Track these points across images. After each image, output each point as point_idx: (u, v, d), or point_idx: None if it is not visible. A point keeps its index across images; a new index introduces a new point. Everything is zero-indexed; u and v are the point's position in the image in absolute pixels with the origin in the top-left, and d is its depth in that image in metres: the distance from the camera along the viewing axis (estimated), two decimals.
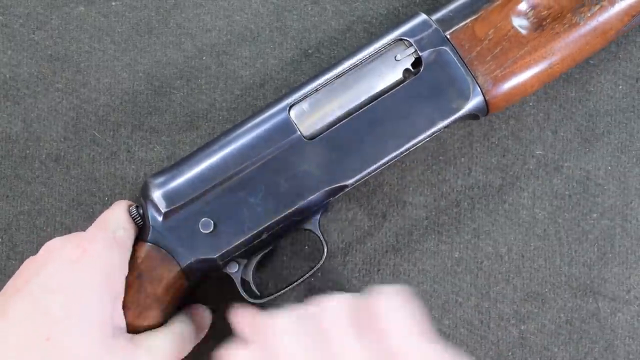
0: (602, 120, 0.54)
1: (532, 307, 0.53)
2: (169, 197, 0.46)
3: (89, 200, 0.54)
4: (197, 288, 0.49)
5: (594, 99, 0.54)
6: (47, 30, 0.56)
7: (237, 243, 0.46)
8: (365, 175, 0.46)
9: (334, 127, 0.46)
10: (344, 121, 0.46)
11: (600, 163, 0.53)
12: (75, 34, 0.56)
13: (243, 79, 0.55)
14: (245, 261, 0.48)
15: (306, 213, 0.47)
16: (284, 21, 0.55)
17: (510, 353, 0.52)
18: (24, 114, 0.55)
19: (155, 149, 0.54)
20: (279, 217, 0.46)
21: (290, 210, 0.46)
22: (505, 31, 0.46)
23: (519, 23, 0.46)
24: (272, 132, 0.46)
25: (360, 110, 0.46)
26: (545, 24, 0.46)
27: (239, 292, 0.49)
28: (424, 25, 0.47)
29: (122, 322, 0.45)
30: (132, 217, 0.47)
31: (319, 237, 0.49)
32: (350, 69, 0.47)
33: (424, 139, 0.46)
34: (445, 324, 0.53)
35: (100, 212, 0.48)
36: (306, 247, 0.54)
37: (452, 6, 0.48)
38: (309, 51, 0.55)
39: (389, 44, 0.47)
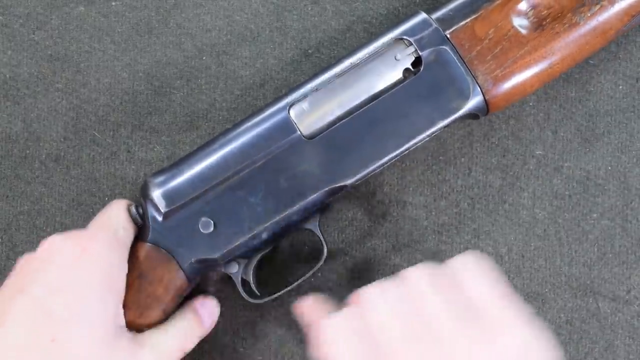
0: (602, 120, 0.54)
1: (532, 307, 0.52)
2: (169, 197, 0.46)
3: (89, 200, 0.54)
4: (197, 287, 0.49)
5: (594, 99, 0.54)
6: (47, 30, 0.56)
7: (237, 243, 0.46)
8: (365, 175, 0.46)
9: (333, 127, 0.46)
10: (343, 121, 0.46)
11: (600, 163, 0.53)
12: (75, 34, 0.56)
13: (243, 79, 0.55)
14: (245, 261, 0.48)
15: (306, 213, 0.47)
16: (284, 21, 0.55)
17: None
18: (24, 114, 0.55)
19: (155, 149, 0.54)
20: (278, 217, 0.46)
21: (290, 210, 0.46)
22: (506, 31, 0.46)
23: (519, 23, 0.46)
24: (272, 132, 0.46)
25: (360, 110, 0.46)
26: (546, 23, 0.46)
27: (239, 292, 0.49)
28: (424, 24, 0.47)
29: (124, 322, 0.45)
30: (132, 217, 0.47)
31: (319, 237, 0.48)
32: (350, 68, 0.47)
33: (424, 138, 0.46)
34: None
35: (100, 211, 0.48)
36: (306, 247, 0.54)
37: (452, 5, 0.48)
38: (309, 51, 0.55)
39: (389, 43, 0.47)
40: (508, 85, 0.46)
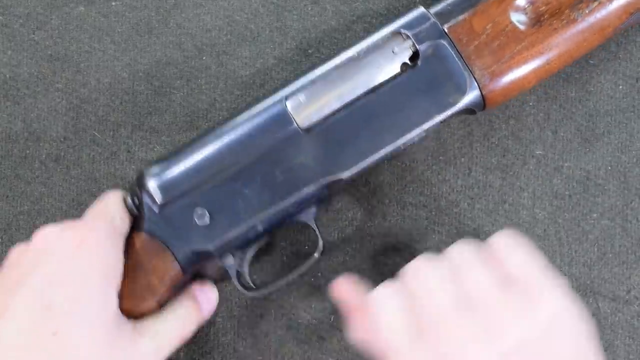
0: (602, 120, 0.54)
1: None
2: (164, 188, 0.46)
3: (89, 200, 0.54)
4: (193, 279, 0.49)
5: (594, 99, 0.54)
6: (47, 30, 0.56)
7: (232, 234, 0.46)
8: (361, 169, 0.46)
9: (330, 120, 0.46)
10: (340, 113, 0.46)
11: (600, 163, 0.53)
12: (75, 34, 0.56)
13: (243, 79, 0.55)
14: (240, 253, 0.48)
15: (302, 205, 0.47)
16: (284, 21, 0.55)
17: None
18: (24, 114, 0.55)
19: (155, 149, 0.54)
20: (274, 209, 0.46)
21: (285, 202, 0.46)
22: (503, 26, 0.46)
23: (517, 18, 0.46)
24: (269, 124, 0.46)
25: (357, 103, 0.46)
26: (543, 19, 0.46)
27: (238, 290, 0.49)
28: (422, 18, 0.47)
29: (121, 312, 0.44)
30: (128, 208, 0.47)
31: (314, 230, 0.48)
32: (347, 61, 0.47)
33: (421, 133, 0.46)
34: None
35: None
36: (306, 247, 0.54)
37: (450, 0, 0.48)
38: (309, 51, 0.55)
39: (387, 37, 0.47)
40: (505, 80, 0.46)
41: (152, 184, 0.46)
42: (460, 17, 0.47)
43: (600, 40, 0.47)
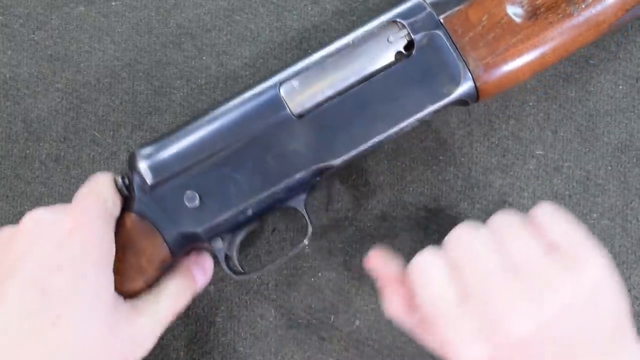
0: (602, 120, 0.54)
1: None
2: (155, 169, 0.46)
3: None
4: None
5: (594, 99, 0.54)
6: (47, 30, 0.56)
7: (221, 218, 0.46)
8: (352, 156, 0.46)
9: (323, 106, 0.46)
10: (333, 101, 0.46)
11: (600, 163, 0.53)
12: (75, 34, 0.56)
13: (243, 79, 0.55)
14: (230, 237, 0.48)
15: (292, 191, 0.47)
16: (284, 21, 0.55)
17: None
18: (24, 114, 0.55)
19: None
20: (264, 194, 0.46)
21: (275, 188, 0.46)
22: (499, 18, 0.46)
23: (513, 11, 0.46)
24: (262, 109, 0.46)
25: (351, 91, 0.46)
26: (539, 13, 0.46)
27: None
28: (418, 8, 0.47)
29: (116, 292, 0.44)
30: (118, 188, 0.46)
31: (303, 216, 0.48)
32: (342, 49, 0.47)
33: (413, 122, 0.46)
34: None
35: None
36: (306, 247, 0.54)
37: None
38: (309, 51, 0.55)
39: (383, 26, 0.47)
40: (499, 72, 0.46)
41: (142, 165, 0.46)
42: (456, 8, 0.47)
43: (596, 35, 0.47)
